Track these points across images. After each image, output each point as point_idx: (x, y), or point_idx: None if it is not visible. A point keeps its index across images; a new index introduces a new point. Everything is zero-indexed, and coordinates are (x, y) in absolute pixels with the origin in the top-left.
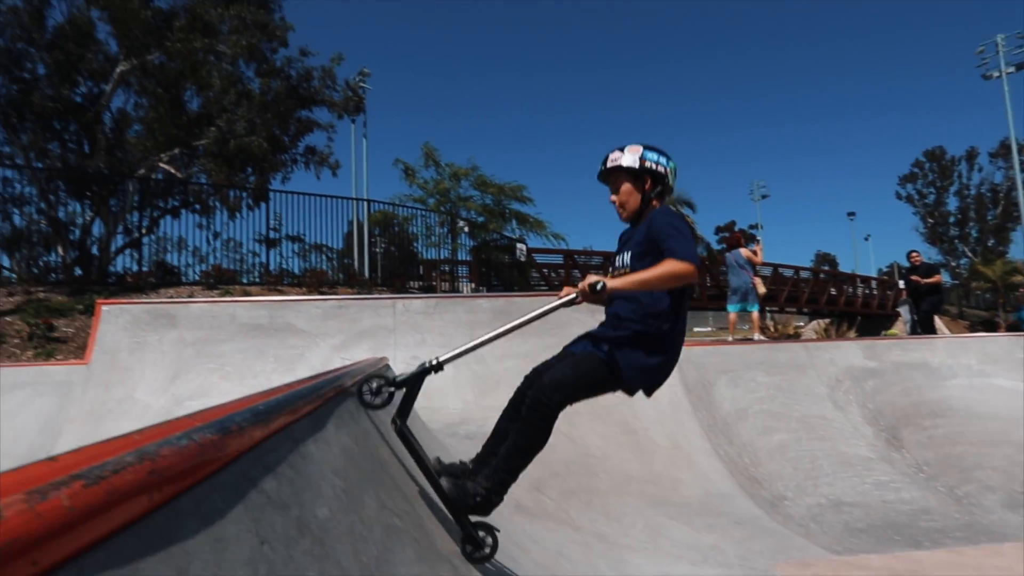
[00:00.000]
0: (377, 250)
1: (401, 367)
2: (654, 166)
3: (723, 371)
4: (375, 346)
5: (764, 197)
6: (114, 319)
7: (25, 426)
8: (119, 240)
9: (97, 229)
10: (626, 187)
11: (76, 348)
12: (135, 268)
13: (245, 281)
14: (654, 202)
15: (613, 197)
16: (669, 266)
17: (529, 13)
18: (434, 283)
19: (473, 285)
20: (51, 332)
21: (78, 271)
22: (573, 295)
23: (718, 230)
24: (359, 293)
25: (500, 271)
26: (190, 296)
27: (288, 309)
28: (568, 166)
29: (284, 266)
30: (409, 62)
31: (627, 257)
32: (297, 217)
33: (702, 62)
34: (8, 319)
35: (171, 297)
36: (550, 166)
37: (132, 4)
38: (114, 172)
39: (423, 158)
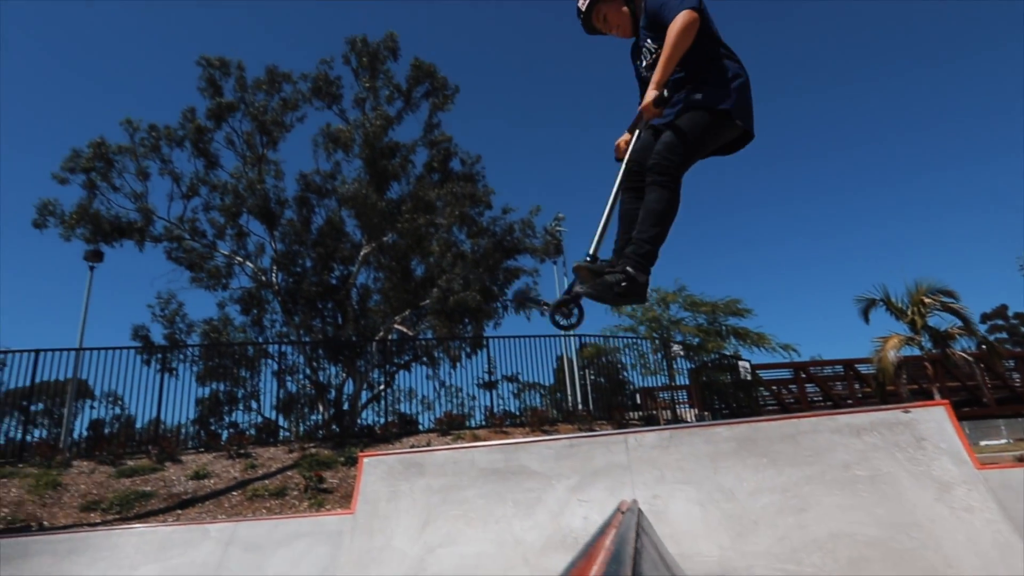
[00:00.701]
0: (585, 383)
1: (643, 508)
2: None
3: None
4: (611, 485)
5: None
6: (373, 470)
7: (307, 574)
8: (364, 396)
9: (348, 388)
10: (614, 13)
11: (340, 497)
12: (379, 420)
13: (472, 425)
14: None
15: (615, 32)
16: (674, 30)
17: None
18: (654, 412)
19: (696, 411)
20: (321, 484)
21: (335, 427)
22: (641, 118)
23: (984, 318)
24: (579, 428)
25: (723, 393)
26: (428, 443)
27: (521, 451)
28: (789, 263)
29: (504, 407)
30: (601, 197)
31: (649, 48)
32: (511, 359)
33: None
34: (288, 473)
35: (413, 444)
36: (767, 268)
37: (372, 200)
38: (360, 337)
39: None
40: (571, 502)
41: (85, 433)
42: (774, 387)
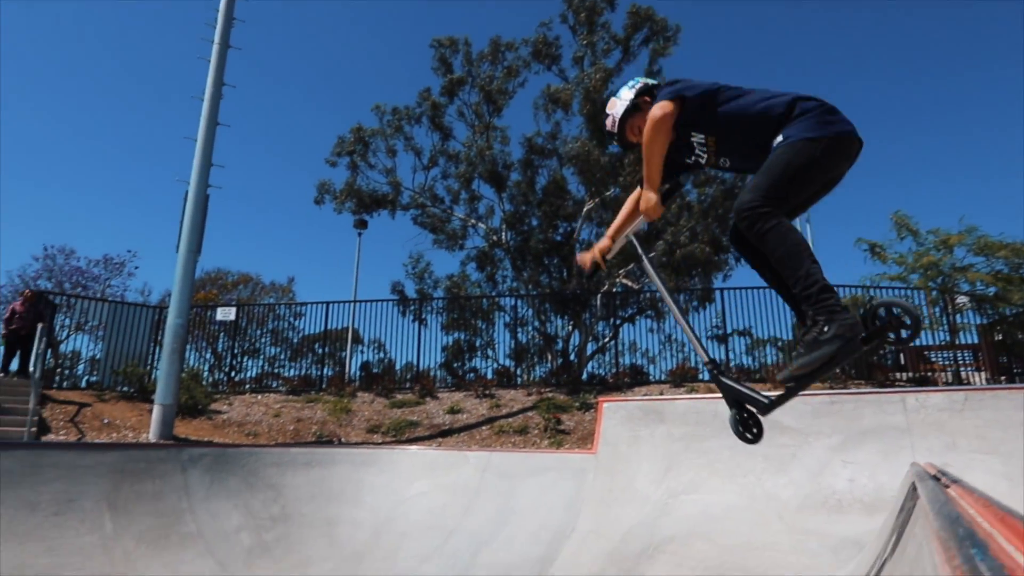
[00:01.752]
0: None
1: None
2: (642, 85)
3: None
4: (884, 448)
5: None
6: (613, 414)
7: (554, 503)
8: (589, 348)
9: (574, 340)
10: (640, 125)
11: (577, 439)
12: (604, 372)
13: (704, 378)
14: None
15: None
16: (646, 127)
17: None
18: (927, 373)
19: (987, 375)
20: (559, 425)
21: (564, 376)
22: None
23: None
24: (831, 387)
25: None
26: (661, 393)
27: None
28: None
29: (737, 362)
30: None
31: (698, 141)
32: (742, 313)
33: None
34: (529, 414)
35: (646, 393)
36: None
37: (593, 155)
38: (584, 292)
39: (894, 229)
40: (833, 462)
41: (359, 372)
42: None
